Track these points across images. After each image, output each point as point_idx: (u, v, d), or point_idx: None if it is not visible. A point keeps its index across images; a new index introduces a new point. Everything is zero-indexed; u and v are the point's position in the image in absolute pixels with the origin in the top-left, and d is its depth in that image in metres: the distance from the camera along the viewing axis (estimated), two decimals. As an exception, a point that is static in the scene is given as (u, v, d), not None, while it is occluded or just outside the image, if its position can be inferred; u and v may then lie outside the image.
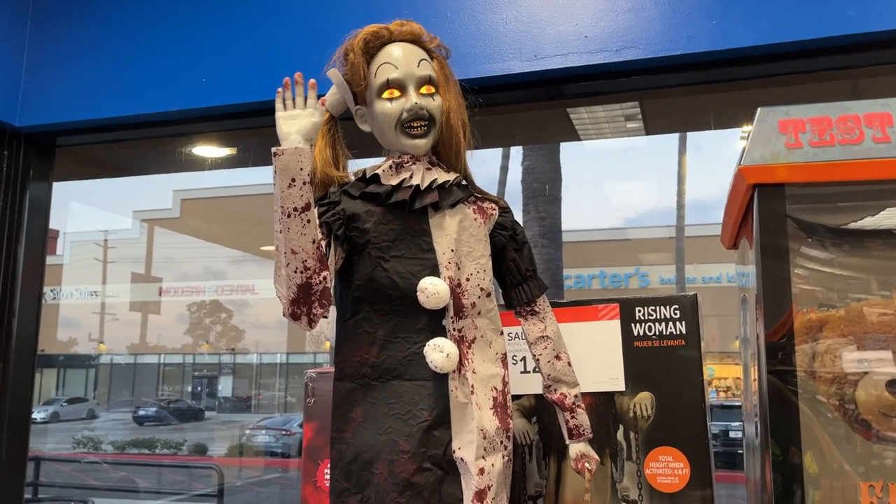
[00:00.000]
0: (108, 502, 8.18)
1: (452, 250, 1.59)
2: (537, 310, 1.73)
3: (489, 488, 1.51)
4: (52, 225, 3.10)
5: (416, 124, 1.60)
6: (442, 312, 1.57)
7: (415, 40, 1.65)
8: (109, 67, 2.80)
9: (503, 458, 1.56)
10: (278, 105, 1.52)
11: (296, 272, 1.47)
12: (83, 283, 22.39)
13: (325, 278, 1.51)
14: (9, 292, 2.88)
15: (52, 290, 19.56)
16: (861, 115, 1.46)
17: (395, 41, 1.64)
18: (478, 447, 1.51)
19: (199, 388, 27.11)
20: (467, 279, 1.60)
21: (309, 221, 1.45)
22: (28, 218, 2.94)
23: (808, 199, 1.51)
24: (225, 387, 26.79)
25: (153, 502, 9.32)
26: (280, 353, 25.26)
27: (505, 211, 1.73)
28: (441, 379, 1.55)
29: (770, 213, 1.49)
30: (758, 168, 1.51)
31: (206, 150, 3.43)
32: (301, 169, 1.44)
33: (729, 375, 18.25)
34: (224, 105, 2.67)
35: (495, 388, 1.60)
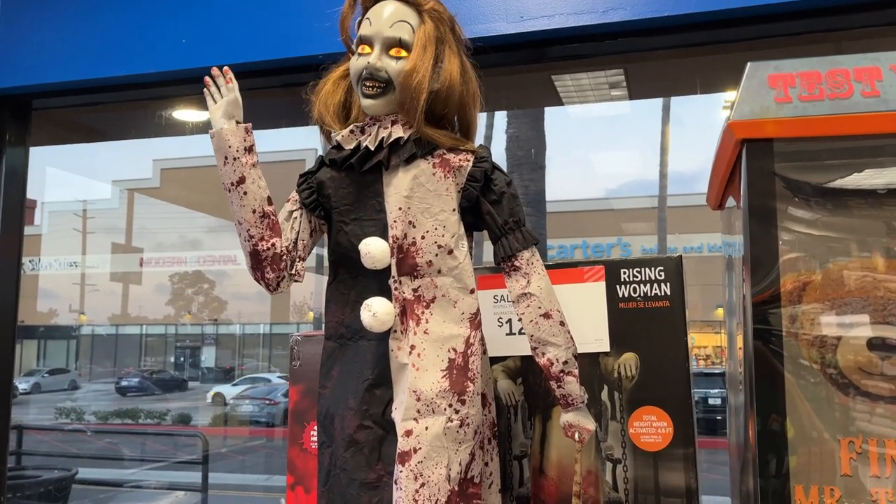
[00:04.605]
0: (92, 471, 8.19)
1: (400, 209, 1.56)
2: (518, 265, 1.60)
3: (415, 451, 1.46)
4: (29, 195, 3.05)
5: (369, 84, 1.57)
6: (388, 272, 1.56)
7: (408, 0, 1.60)
8: (87, 27, 2.74)
9: (448, 421, 1.49)
10: (209, 102, 1.64)
11: (245, 241, 1.61)
12: (62, 253, 22.13)
13: (273, 245, 1.61)
14: (-14, 258, 2.84)
15: (30, 261, 19.32)
16: (850, 70, 1.45)
17: None
18: (407, 408, 1.49)
19: (182, 359, 27.07)
20: (423, 237, 1.56)
21: (245, 193, 1.58)
22: (5, 183, 2.89)
23: (797, 156, 1.50)
24: (208, 357, 26.77)
25: (138, 470, 9.36)
26: (263, 323, 25.23)
27: (480, 160, 1.60)
28: (383, 339, 1.56)
29: (758, 170, 1.47)
30: (747, 123, 1.49)
31: (186, 113, 3.37)
32: (229, 147, 1.58)
33: (709, 344, 18.51)
34: (204, 67, 2.60)
35: (454, 350, 1.54)
